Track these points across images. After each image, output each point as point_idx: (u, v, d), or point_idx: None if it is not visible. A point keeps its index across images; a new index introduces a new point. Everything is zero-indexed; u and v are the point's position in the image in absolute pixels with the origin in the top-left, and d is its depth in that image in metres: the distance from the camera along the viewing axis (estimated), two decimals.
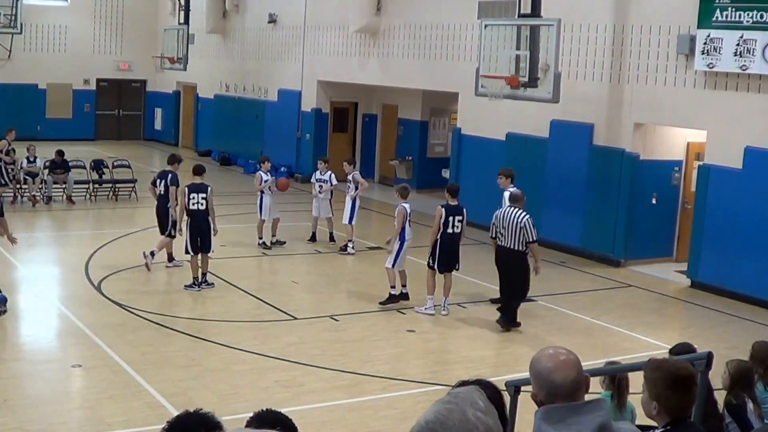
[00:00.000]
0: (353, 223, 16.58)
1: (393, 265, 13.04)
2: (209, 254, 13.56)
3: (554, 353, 3.07)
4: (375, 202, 20.96)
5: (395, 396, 9.60)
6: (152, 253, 14.47)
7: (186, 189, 13.55)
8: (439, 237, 12.68)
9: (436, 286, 12.81)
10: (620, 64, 16.31)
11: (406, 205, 13.12)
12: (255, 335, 11.64)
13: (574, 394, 3.02)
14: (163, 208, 14.79)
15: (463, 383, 2.77)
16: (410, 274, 13.33)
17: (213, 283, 13.70)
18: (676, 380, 3.83)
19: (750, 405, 6.34)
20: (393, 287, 13.08)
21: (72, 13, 32.63)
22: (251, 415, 3.45)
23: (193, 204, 13.40)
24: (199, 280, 13.57)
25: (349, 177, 16.78)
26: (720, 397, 6.50)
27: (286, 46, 26.71)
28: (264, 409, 3.54)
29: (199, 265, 13.53)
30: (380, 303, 13.03)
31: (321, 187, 16.81)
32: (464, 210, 12.86)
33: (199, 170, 13.84)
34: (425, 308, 12.86)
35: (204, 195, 13.41)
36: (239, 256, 15.89)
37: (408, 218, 13.07)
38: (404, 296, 13.15)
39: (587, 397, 3.11)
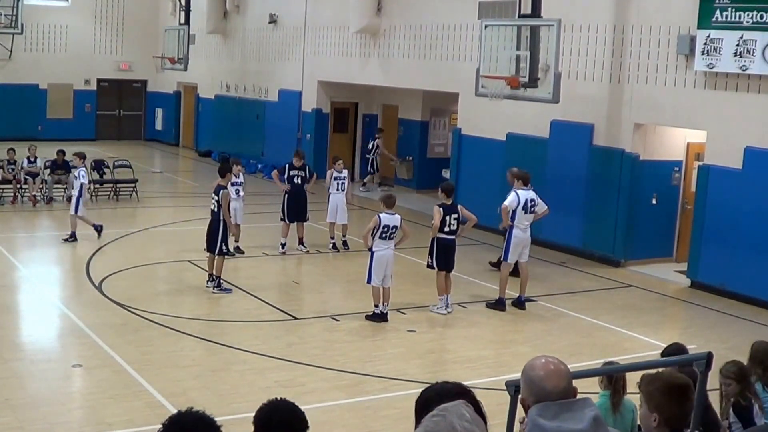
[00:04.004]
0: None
1: (369, 281, 12.36)
2: (214, 255, 13.51)
3: (546, 362, 3.18)
4: (375, 202, 20.95)
5: (395, 396, 9.61)
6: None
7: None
8: (436, 236, 12.73)
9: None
10: (620, 64, 16.31)
11: (383, 215, 12.26)
12: (255, 335, 11.66)
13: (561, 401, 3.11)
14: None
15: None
16: (411, 276, 13.32)
17: (218, 287, 13.62)
18: (673, 389, 3.88)
19: (755, 407, 6.37)
20: (376, 305, 12.36)
21: (73, 13, 32.64)
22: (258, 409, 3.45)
23: (212, 204, 13.60)
24: (211, 279, 13.63)
25: (344, 174, 16.84)
26: (716, 398, 6.51)
27: (286, 46, 26.73)
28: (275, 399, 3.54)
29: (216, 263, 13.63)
30: (366, 317, 12.46)
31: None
32: (458, 206, 12.92)
33: (218, 171, 14.12)
34: (437, 308, 12.89)
35: (217, 197, 13.46)
36: (239, 257, 15.89)
37: (390, 229, 12.23)
38: (382, 316, 12.33)
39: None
